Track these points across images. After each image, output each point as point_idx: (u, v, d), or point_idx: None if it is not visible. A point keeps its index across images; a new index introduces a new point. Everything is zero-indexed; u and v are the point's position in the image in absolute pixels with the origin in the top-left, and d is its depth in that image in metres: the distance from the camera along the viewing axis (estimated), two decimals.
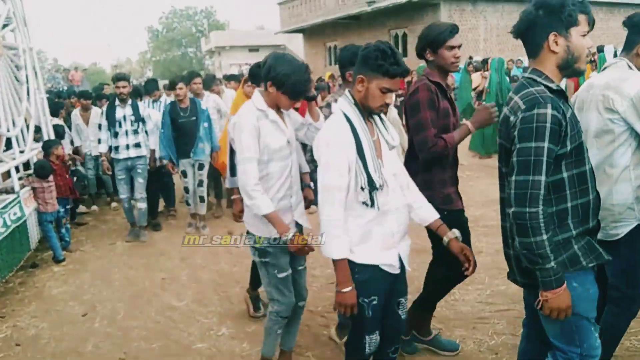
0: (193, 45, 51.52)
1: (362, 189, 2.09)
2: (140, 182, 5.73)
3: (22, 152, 5.35)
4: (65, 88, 13.61)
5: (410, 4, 16.91)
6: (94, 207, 7.16)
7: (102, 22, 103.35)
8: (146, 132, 5.71)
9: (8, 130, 5.01)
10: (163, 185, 6.58)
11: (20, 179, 5.12)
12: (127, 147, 5.60)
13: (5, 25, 5.52)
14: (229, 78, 8.35)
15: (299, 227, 2.78)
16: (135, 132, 5.63)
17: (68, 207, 5.79)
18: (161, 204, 6.72)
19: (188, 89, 5.85)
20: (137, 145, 5.65)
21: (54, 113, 7.04)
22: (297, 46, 30.11)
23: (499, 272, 3.97)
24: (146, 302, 4.21)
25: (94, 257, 5.38)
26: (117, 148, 5.61)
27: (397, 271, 2.24)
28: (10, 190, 4.92)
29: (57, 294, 4.48)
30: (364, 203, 2.11)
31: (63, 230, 5.50)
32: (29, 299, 4.39)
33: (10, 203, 4.57)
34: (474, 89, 10.56)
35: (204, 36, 46.39)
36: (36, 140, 5.91)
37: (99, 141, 5.76)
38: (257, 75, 3.32)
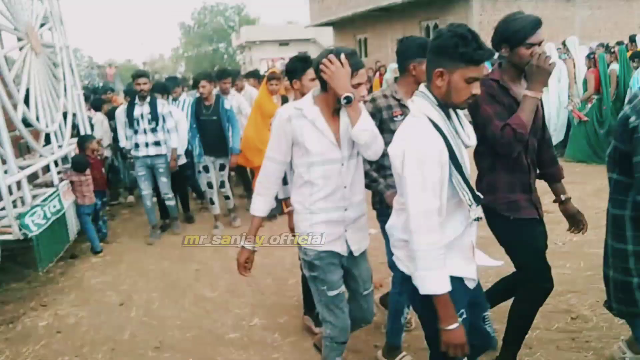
0: (224, 41, 52.02)
1: (470, 205, 1.86)
2: (163, 181, 5.69)
3: (60, 146, 5.51)
4: (101, 84, 13.91)
5: None
6: (131, 198, 7.34)
7: (136, 20, 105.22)
8: (168, 130, 5.61)
9: (47, 126, 5.17)
10: (193, 181, 6.63)
11: (59, 172, 5.28)
12: (147, 145, 5.55)
13: (42, 24, 5.68)
14: (247, 75, 8.27)
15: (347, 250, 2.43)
16: (154, 130, 5.54)
17: (105, 199, 5.94)
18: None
19: (214, 85, 5.73)
20: (157, 143, 5.57)
21: (97, 108, 7.22)
22: (327, 40, 30.05)
23: None
24: (180, 293, 4.30)
25: (129, 248, 5.52)
26: (137, 145, 5.59)
27: (474, 285, 2.05)
28: (49, 184, 5.08)
29: (95, 284, 4.61)
30: (477, 219, 1.92)
31: (100, 223, 5.67)
32: (68, 288, 4.53)
33: (50, 196, 4.72)
34: None
35: (234, 31, 46.74)
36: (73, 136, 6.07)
37: (126, 137, 5.80)
38: (296, 70, 3.08)
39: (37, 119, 4.96)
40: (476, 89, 1.84)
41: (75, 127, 6.27)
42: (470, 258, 1.99)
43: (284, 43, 36.63)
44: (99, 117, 7.01)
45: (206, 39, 52.17)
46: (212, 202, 5.86)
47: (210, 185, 5.80)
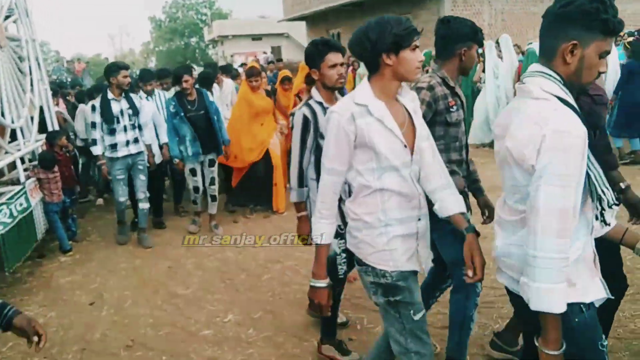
0: (196, 35, 51.37)
1: (610, 205, 1.58)
2: (142, 179, 5.30)
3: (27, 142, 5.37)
4: (69, 80, 13.56)
5: None
6: (100, 201, 7.09)
7: (105, 13, 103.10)
8: (139, 125, 5.24)
9: (13, 122, 5.03)
10: (175, 183, 6.43)
11: (25, 170, 5.15)
12: (127, 143, 5.13)
13: (7, 17, 5.51)
14: (222, 69, 8.20)
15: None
16: (134, 126, 5.17)
17: (74, 197, 5.80)
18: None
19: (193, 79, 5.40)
20: (136, 140, 5.20)
21: (81, 101, 7.03)
22: (300, 34, 29.99)
23: None
24: (152, 291, 4.25)
25: (100, 246, 5.42)
26: (114, 146, 5.09)
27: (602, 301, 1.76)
28: (16, 182, 4.96)
29: (64, 283, 4.52)
30: (602, 220, 1.61)
31: (69, 221, 5.55)
32: (37, 288, 4.43)
33: (16, 194, 4.60)
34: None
35: (206, 25, 46.20)
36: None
37: (94, 142, 5.13)
38: (312, 58, 2.70)
39: (2, 114, 4.82)
40: (604, 67, 1.57)
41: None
42: (595, 272, 1.70)
43: (256, 37, 36.38)
44: (83, 108, 6.70)
45: (178, 33, 51.39)
46: (195, 203, 5.62)
47: (197, 189, 5.48)
